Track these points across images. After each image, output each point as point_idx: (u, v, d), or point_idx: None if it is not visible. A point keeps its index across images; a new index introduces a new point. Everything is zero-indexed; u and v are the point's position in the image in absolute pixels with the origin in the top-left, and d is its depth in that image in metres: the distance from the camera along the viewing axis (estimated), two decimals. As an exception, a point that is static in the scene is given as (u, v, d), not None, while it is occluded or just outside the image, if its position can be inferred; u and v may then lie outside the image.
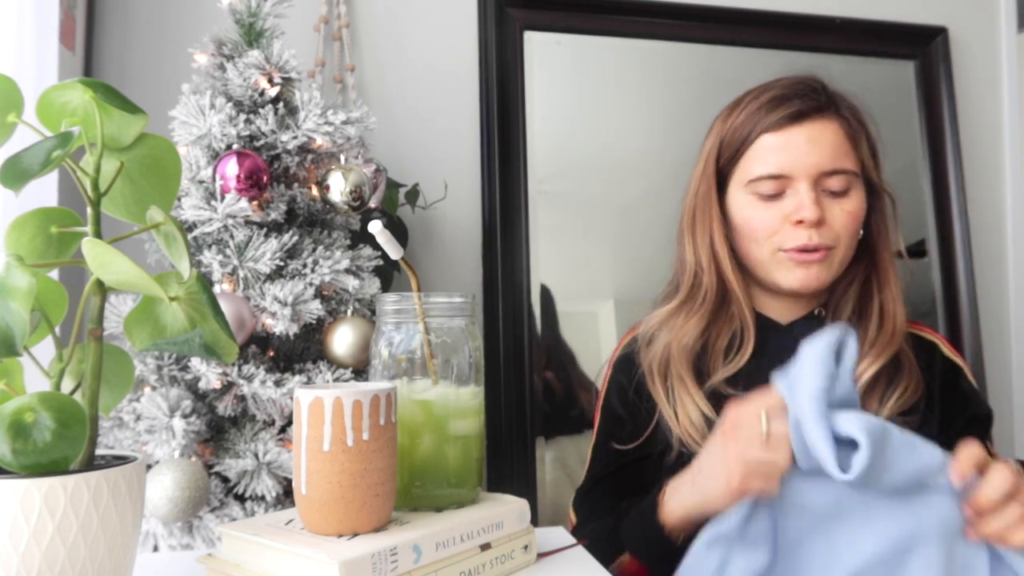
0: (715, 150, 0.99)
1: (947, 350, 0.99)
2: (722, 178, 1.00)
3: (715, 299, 0.98)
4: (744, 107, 0.97)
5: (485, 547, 0.65)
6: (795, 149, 0.92)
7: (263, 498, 1.03)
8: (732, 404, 0.79)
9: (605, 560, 0.74)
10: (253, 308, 1.04)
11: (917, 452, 0.68)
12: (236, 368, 1.02)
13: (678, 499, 0.80)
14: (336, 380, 1.07)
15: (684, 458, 0.94)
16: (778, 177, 0.93)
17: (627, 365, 1.03)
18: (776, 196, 0.93)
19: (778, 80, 0.98)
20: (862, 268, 0.98)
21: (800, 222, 0.91)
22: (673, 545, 0.79)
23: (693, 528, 0.76)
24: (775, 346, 0.97)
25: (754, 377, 0.95)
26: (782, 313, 1.00)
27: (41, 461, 0.49)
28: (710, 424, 0.93)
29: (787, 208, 0.93)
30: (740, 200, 0.97)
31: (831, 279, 0.95)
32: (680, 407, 0.94)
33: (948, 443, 0.93)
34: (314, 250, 1.09)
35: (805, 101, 0.93)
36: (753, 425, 0.70)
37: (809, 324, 0.98)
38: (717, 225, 0.98)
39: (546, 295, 1.53)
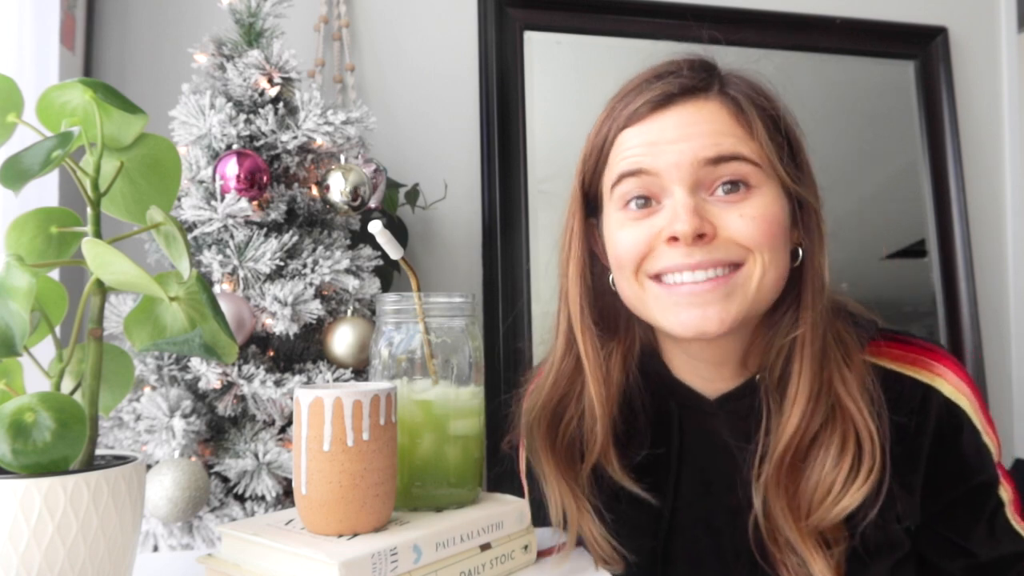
0: (578, 168, 0.78)
1: (950, 390, 0.74)
2: (595, 205, 0.78)
3: (567, 366, 0.77)
4: (604, 108, 0.77)
5: (485, 547, 0.65)
6: (660, 139, 0.69)
7: (263, 498, 1.03)
8: None
9: None
10: (253, 308, 1.04)
11: None
12: (236, 368, 1.02)
13: None
14: (336, 380, 1.07)
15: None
16: (640, 173, 0.69)
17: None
18: (649, 210, 0.70)
19: (650, 67, 0.75)
20: (791, 314, 0.73)
21: (674, 239, 0.67)
22: None
23: None
24: (701, 432, 0.77)
25: (683, 476, 0.76)
26: (706, 384, 0.77)
27: (41, 461, 0.49)
28: (604, 519, 0.73)
29: (660, 222, 0.69)
30: (611, 221, 0.74)
31: (743, 314, 0.68)
32: (562, 505, 0.75)
33: (937, 514, 0.75)
34: (314, 250, 1.09)
35: (670, 81, 0.71)
36: None
37: (742, 400, 0.75)
38: (575, 265, 0.76)
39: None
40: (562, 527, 0.74)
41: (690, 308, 0.68)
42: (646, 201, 0.71)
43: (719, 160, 0.68)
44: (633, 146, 0.71)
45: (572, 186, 0.78)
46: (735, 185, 0.68)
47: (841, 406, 0.71)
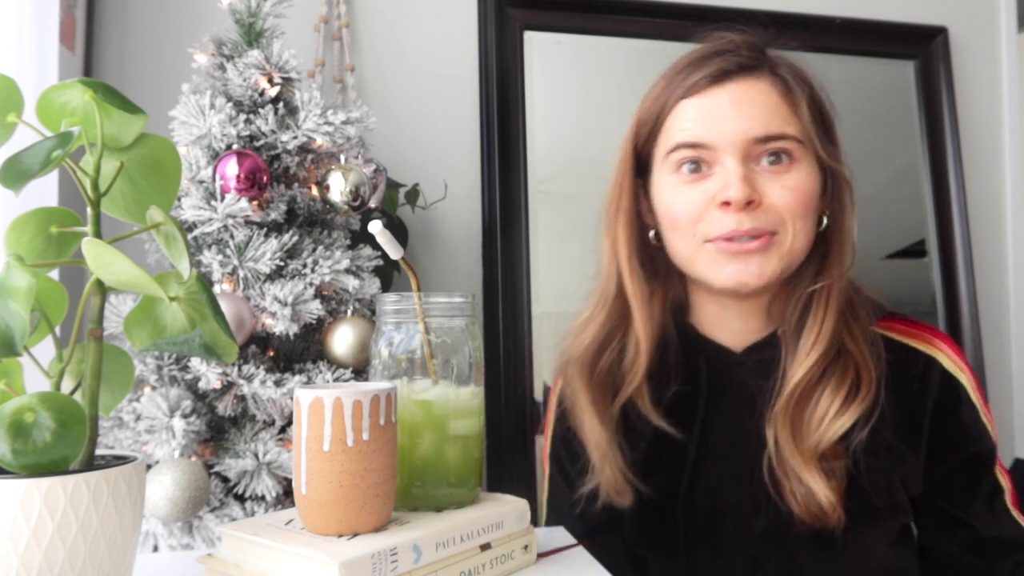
0: (632, 131, 0.85)
1: (949, 364, 0.82)
2: (644, 165, 0.85)
3: (614, 306, 0.85)
4: (662, 77, 0.84)
5: (485, 547, 0.65)
6: (717, 113, 0.77)
7: (263, 498, 1.03)
8: None
9: None
10: (253, 308, 1.04)
11: None
12: (236, 368, 1.02)
13: None
14: (336, 380, 1.07)
15: (608, 508, 0.82)
16: (697, 146, 0.78)
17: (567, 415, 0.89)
18: (701, 175, 0.79)
19: (702, 44, 0.84)
20: (813, 268, 0.82)
21: (726, 203, 0.76)
22: None
23: None
24: (728, 381, 0.84)
25: (710, 420, 0.83)
26: (734, 335, 0.85)
27: (41, 461, 0.49)
28: (624, 454, 0.81)
29: (713, 188, 0.77)
30: (662, 184, 0.82)
31: (778, 273, 0.78)
32: (589, 441, 0.82)
33: (938, 481, 0.81)
34: (314, 250, 1.09)
35: (728, 59, 0.79)
36: None
37: (767, 351, 0.83)
38: (624, 218, 0.84)
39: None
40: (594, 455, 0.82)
41: (735, 263, 0.77)
42: (697, 166, 0.79)
43: (768, 139, 0.77)
44: (691, 118, 0.78)
45: (623, 147, 0.86)
46: (778, 157, 0.77)
47: (845, 349, 0.79)
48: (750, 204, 0.76)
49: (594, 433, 0.82)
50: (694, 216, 0.79)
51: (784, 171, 0.77)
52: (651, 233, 0.86)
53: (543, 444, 0.95)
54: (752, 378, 0.82)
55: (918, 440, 0.80)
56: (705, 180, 0.78)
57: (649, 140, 0.84)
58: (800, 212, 0.77)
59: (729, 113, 0.77)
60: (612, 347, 0.84)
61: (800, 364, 0.78)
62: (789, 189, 0.77)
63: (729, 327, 0.85)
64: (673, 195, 0.80)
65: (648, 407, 0.82)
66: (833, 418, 0.76)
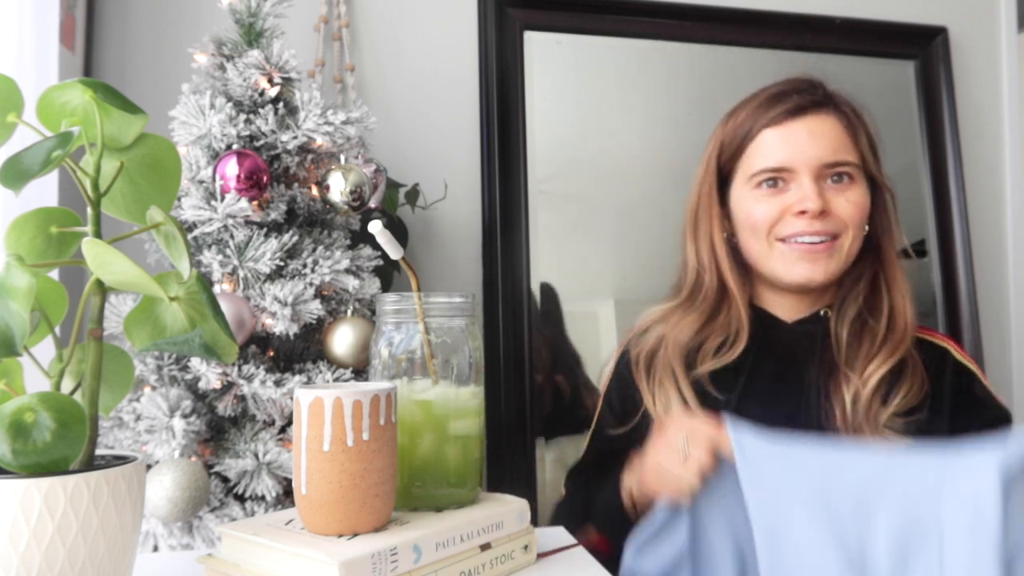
0: (716, 150, 1.02)
1: (959, 355, 0.98)
2: (724, 178, 1.02)
3: (714, 298, 1.00)
4: (743, 107, 1.00)
5: (485, 547, 0.65)
6: (796, 142, 0.94)
7: (263, 498, 1.03)
8: (673, 420, 0.87)
9: (571, 526, 0.84)
10: (253, 308, 1.04)
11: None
12: (236, 368, 1.02)
13: (628, 480, 0.91)
14: (336, 380, 1.07)
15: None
16: (780, 170, 0.95)
17: (628, 359, 1.06)
18: (778, 189, 0.96)
19: (776, 82, 1.01)
20: (868, 265, 0.98)
21: (803, 212, 0.93)
22: (628, 519, 0.87)
23: (643, 506, 0.86)
24: (775, 343, 0.99)
25: (753, 377, 0.97)
26: (787, 311, 1.01)
27: (41, 461, 0.49)
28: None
29: (790, 200, 0.94)
30: (743, 196, 0.99)
31: (838, 272, 0.95)
32: (659, 395, 0.97)
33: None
34: (314, 250, 1.09)
35: (804, 96, 0.96)
36: (675, 443, 0.80)
37: (813, 324, 0.99)
38: (717, 224, 1.00)
39: (548, 294, 1.53)
40: (652, 408, 0.97)
41: (805, 263, 0.94)
42: (775, 182, 0.96)
43: (835, 164, 0.94)
44: (774, 146, 0.95)
45: (705, 163, 1.03)
46: (841, 177, 0.95)
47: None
48: (822, 213, 0.93)
49: (673, 397, 0.96)
50: (771, 222, 0.95)
51: (846, 188, 0.95)
52: (723, 236, 1.02)
53: (603, 384, 1.12)
54: (798, 344, 0.98)
55: (942, 411, 0.93)
56: (782, 193, 0.95)
57: (732, 158, 1.00)
58: (858, 221, 0.95)
59: (806, 142, 0.94)
60: (704, 331, 0.99)
61: (887, 353, 0.92)
62: (852, 203, 0.94)
63: (782, 306, 1.01)
64: (754, 205, 0.97)
65: (707, 379, 0.96)
66: (899, 402, 0.90)
